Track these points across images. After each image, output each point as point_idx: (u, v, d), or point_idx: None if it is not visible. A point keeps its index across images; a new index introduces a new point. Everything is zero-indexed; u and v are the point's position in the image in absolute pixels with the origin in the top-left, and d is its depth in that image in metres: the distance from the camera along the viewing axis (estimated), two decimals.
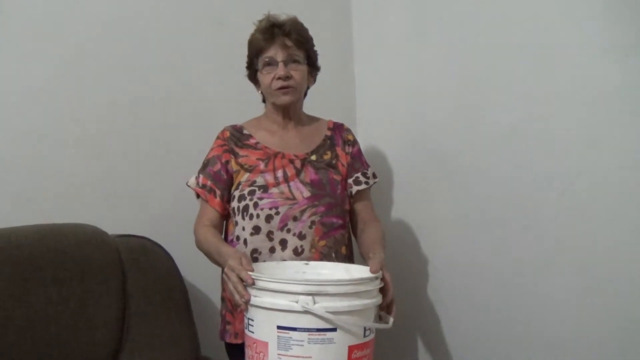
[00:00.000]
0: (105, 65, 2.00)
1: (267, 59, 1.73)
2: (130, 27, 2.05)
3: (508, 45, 1.81)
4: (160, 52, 2.10)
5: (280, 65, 1.71)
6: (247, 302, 1.39)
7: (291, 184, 1.72)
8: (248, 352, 1.42)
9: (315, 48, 1.81)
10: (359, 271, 1.54)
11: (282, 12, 1.75)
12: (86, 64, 1.97)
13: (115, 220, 1.92)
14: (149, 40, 2.07)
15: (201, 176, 1.77)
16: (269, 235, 1.69)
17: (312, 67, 1.81)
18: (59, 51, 1.92)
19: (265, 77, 1.74)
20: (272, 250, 1.68)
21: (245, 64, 1.81)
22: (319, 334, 1.32)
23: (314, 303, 1.31)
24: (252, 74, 1.81)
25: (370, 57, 2.42)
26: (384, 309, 1.49)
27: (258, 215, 1.69)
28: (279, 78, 1.71)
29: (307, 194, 1.72)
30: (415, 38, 2.17)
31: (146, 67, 2.07)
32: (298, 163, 1.76)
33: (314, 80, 1.84)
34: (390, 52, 2.31)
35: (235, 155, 1.77)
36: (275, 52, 1.72)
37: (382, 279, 1.47)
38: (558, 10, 1.67)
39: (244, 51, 1.80)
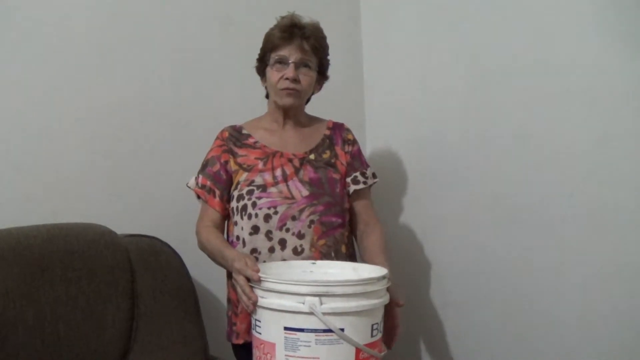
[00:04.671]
0: (114, 65, 2.00)
1: (279, 57, 1.72)
2: (139, 26, 2.05)
3: (516, 46, 1.81)
4: (169, 51, 2.10)
5: (291, 66, 1.71)
6: (255, 304, 1.39)
7: (290, 183, 1.72)
8: (256, 352, 1.42)
9: (329, 57, 1.80)
10: (367, 270, 1.53)
11: (293, 11, 1.74)
12: (95, 63, 1.97)
13: (124, 220, 1.93)
14: (158, 39, 2.08)
15: (201, 177, 1.77)
16: (268, 234, 1.68)
17: (322, 75, 1.81)
18: (66, 51, 1.93)
19: (273, 74, 1.73)
20: (271, 250, 1.68)
21: (253, 60, 1.81)
22: (326, 335, 1.32)
23: (321, 304, 1.31)
24: (262, 67, 1.80)
25: (378, 58, 2.41)
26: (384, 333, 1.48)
27: (257, 215, 1.69)
28: (287, 79, 1.71)
29: (305, 193, 1.71)
30: (423, 39, 2.17)
31: (155, 67, 2.07)
32: (297, 162, 1.76)
33: (320, 89, 1.84)
34: (398, 53, 2.30)
35: (234, 155, 1.77)
36: (289, 53, 1.71)
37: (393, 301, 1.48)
38: (566, 11, 1.67)
39: (254, 50, 1.80)
